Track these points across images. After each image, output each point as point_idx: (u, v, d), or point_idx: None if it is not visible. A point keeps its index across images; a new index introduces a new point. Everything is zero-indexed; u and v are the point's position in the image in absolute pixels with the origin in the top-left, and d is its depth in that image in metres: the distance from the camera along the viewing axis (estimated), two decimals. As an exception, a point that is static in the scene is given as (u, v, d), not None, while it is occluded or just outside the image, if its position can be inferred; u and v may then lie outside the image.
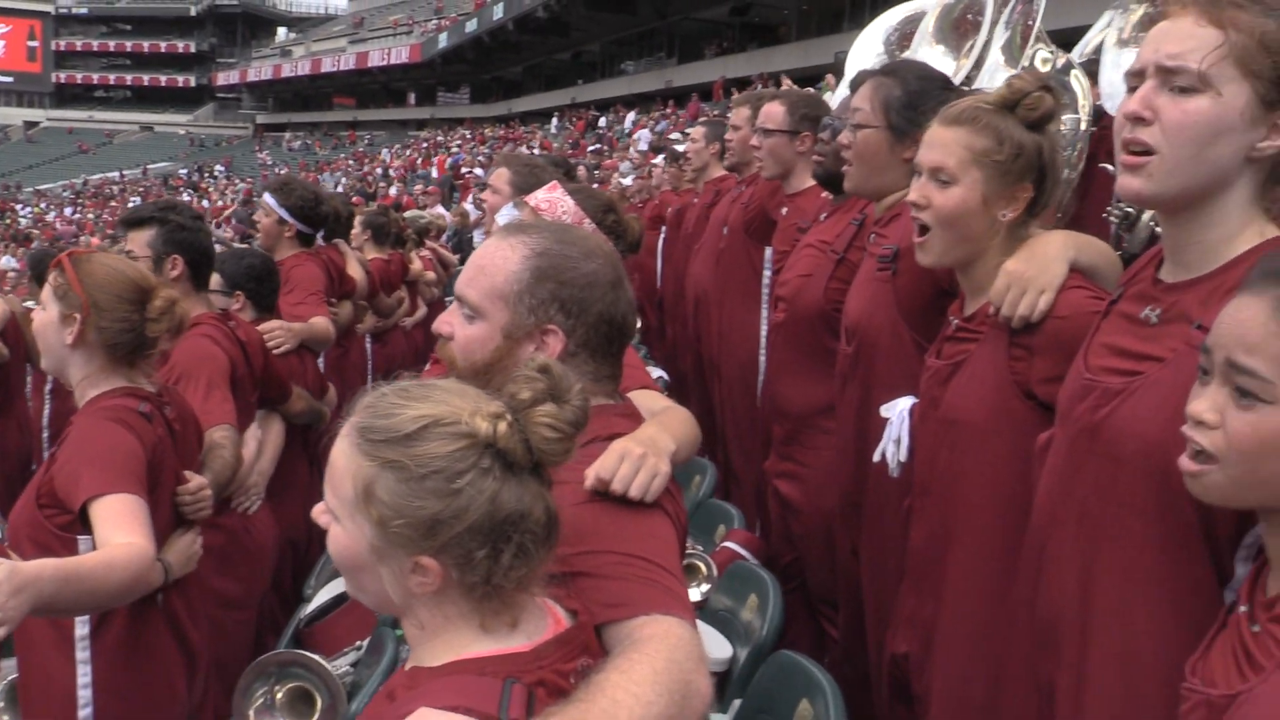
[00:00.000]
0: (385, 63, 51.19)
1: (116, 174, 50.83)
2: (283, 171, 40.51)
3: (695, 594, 3.19)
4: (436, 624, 1.18)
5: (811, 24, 30.67)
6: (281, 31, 67.00)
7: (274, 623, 3.38)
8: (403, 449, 1.13)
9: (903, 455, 2.05)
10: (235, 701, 2.32)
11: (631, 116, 29.09)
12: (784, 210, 3.63)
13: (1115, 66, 5.05)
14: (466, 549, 1.14)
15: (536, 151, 28.46)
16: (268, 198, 4.40)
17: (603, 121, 32.39)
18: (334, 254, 4.96)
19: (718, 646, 2.78)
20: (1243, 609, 1.20)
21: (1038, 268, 1.72)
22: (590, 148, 25.49)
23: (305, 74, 57.15)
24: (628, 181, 10.89)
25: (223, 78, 63.90)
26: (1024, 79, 1.85)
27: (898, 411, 2.08)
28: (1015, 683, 1.71)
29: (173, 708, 2.30)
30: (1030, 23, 6.08)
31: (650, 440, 1.44)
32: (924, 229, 1.92)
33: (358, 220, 6.30)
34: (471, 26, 43.03)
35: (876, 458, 2.14)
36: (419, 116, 51.71)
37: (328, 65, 55.32)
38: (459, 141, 37.39)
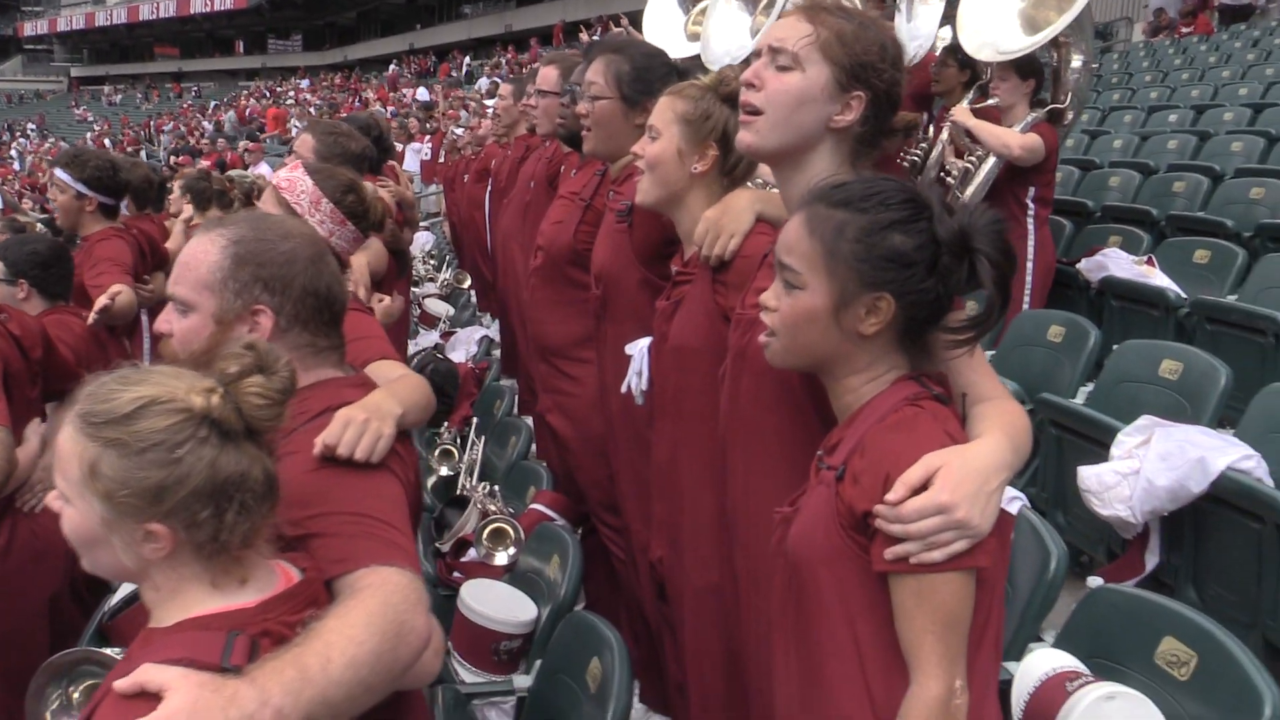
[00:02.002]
0: (209, 9, 48.45)
1: (-86, 136, 46.81)
2: (103, 128, 38.06)
3: (503, 558, 3.23)
4: (171, 586, 1.29)
5: (650, -35, 30.38)
6: (92, -24, 62.43)
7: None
8: (122, 428, 1.24)
9: (644, 385, 2.33)
10: (29, 706, 2.27)
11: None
12: (562, 167, 3.90)
13: (911, 15, 5.24)
14: (192, 511, 1.24)
15: (371, 99, 27.61)
16: (59, 173, 4.17)
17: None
18: (146, 225, 4.72)
19: (522, 609, 2.82)
20: (820, 453, 1.52)
21: (730, 216, 2.02)
22: (418, 95, 24.94)
23: (122, 22, 53.45)
24: (459, 132, 10.64)
25: (29, 28, 59.15)
26: (735, 70, 2.20)
27: (639, 348, 2.36)
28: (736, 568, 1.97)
29: None
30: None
31: (375, 406, 1.57)
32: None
33: (176, 184, 5.99)
34: (299, -30, 41.13)
35: (623, 390, 2.41)
36: (249, 66, 49.25)
37: (146, 12, 51.89)
38: (293, 92, 35.87)
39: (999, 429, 1.42)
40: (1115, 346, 3.65)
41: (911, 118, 1.88)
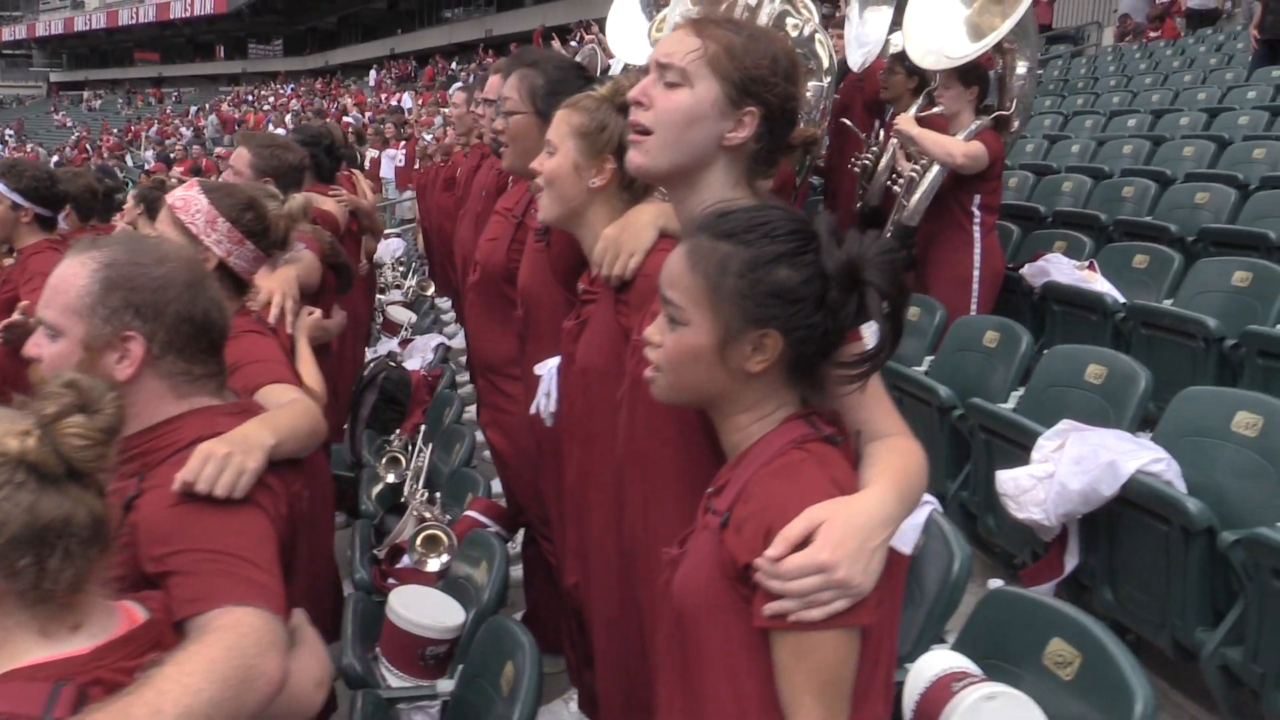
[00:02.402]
0: (189, 14, 48.32)
1: (-108, 141, 46.45)
2: (82, 134, 37.89)
3: (435, 564, 3.26)
4: None
5: (629, -30, 30.42)
6: (72, -19, 62.13)
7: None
8: None
9: (552, 406, 2.28)
10: None
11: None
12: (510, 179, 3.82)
13: (860, 21, 5.30)
14: (10, 560, 1.19)
15: (349, 105, 27.59)
16: None
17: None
18: (86, 236, 4.69)
19: (450, 614, 2.85)
20: (709, 491, 1.45)
21: (630, 233, 1.93)
22: (395, 101, 24.95)
23: (101, 27, 53.32)
24: (428, 138, 10.67)
25: (8, 32, 58.88)
26: (631, 79, 2.12)
27: (547, 369, 2.31)
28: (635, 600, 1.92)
29: None
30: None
31: (242, 439, 1.53)
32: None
33: (130, 194, 5.97)
34: (279, -26, 41.08)
35: (532, 411, 2.36)
36: (230, 71, 49.18)
37: (125, 17, 51.73)
38: (273, 97, 35.82)
39: (887, 477, 1.37)
40: (1045, 351, 3.71)
41: (810, 132, 1.81)
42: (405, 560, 3.30)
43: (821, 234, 1.36)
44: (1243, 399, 2.87)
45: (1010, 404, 3.70)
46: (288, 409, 1.78)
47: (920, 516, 2.56)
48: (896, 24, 5.18)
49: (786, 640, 1.28)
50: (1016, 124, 4.86)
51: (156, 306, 1.55)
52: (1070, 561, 3.01)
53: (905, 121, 4.54)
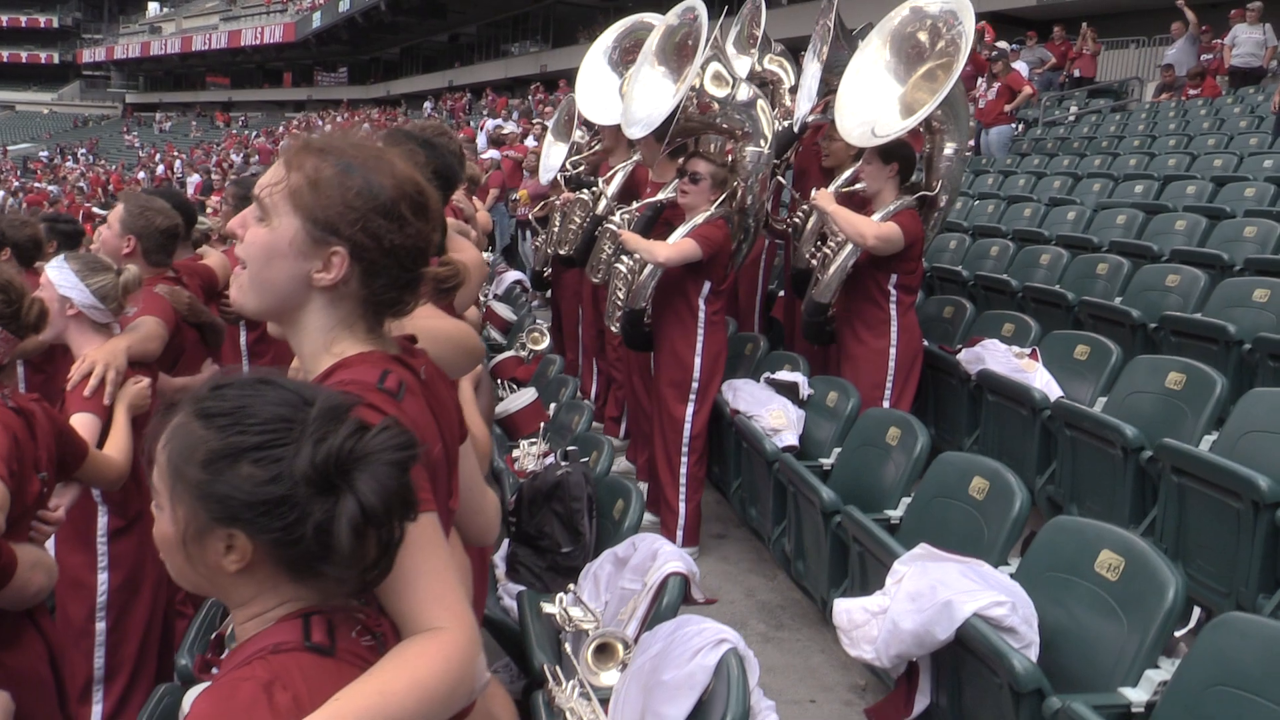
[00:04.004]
0: (259, 41, 49.55)
1: (-27, 155, 48.21)
2: (149, 155, 38.92)
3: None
4: None
5: (682, 10, 30.51)
6: (152, 7, 64.18)
7: None
8: None
9: None
10: None
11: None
12: None
13: (815, 77, 5.08)
14: None
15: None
16: None
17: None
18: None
19: None
20: None
21: None
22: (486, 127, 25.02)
23: (176, 52, 54.91)
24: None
25: (89, 54, 61.07)
26: None
27: None
28: None
29: None
30: (755, 31, 6.08)
31: None
32: None
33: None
34: (345, 6, 41.86)
35: None
36: (296, 98, 50.30)
37: (199, 43, 53.25)
38: (330, 124, 36.46)
39: (342, 707, 1.12)
40: (937, 456, 3.42)
41: (450, 270, 1.65)
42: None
43: (310, 420, 1.17)
44: (1108, 536, 2.58)
45: (899, 510, 3.44)
46: None
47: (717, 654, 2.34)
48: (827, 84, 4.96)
49: None
50: (944, 202, 4.61)
51: None
52: (921, 701, 2.73)
53: (823, 198, 4.31)
